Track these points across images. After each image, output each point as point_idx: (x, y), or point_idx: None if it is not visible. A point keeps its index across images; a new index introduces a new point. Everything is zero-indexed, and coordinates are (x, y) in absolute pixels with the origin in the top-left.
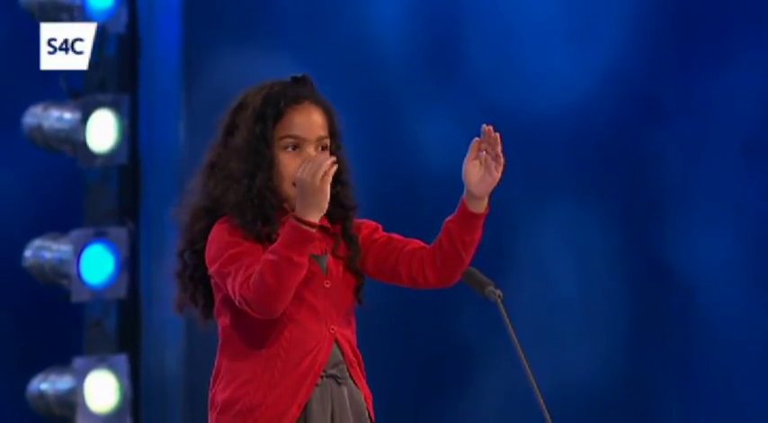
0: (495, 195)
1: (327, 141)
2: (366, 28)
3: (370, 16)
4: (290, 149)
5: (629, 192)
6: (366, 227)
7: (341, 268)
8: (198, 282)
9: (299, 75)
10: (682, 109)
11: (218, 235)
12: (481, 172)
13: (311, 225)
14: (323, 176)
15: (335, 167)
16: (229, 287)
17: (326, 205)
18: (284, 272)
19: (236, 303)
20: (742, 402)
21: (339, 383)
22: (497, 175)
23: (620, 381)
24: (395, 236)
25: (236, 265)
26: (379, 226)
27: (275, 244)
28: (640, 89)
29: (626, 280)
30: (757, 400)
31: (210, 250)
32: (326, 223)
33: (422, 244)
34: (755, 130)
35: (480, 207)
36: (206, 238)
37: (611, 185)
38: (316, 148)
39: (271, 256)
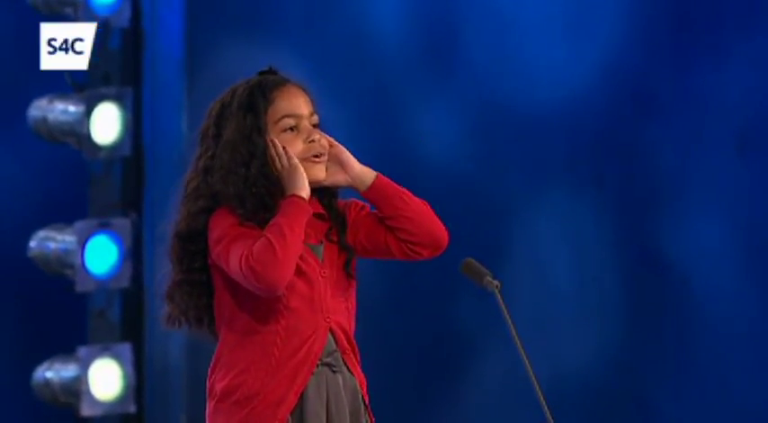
0: (492, 186)
1: (316, 117)
2: (366, 22)
3: (369, 11)
4: (288, 131)
5: (625, 183)
6: (354, 206)
7: (336, 250)
8: (202, 285)
9: (265, 68)
10: (677, 102)
11: (220, 220)
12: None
13: (302, 199)
14: (286, 157)
15: (280, 145)
16: (234, 262)
17: (305, 178)
18: (288, 238)
19: (241, 277)
20: (735, 391)
21: (334, 372)
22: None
23: (615, 369)
24: None
25: (241, 243)
26: (366, 204)
27: (274, 218)
28: (636, 82)
29: (621, 270)
30: (750, 388)
31: (213, 234)
32: (320, 209)
33: None
34: (749, 122)
35: (363, 186)
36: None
37: (606, 177)
38: (309, 124)
39: (273, 226)
